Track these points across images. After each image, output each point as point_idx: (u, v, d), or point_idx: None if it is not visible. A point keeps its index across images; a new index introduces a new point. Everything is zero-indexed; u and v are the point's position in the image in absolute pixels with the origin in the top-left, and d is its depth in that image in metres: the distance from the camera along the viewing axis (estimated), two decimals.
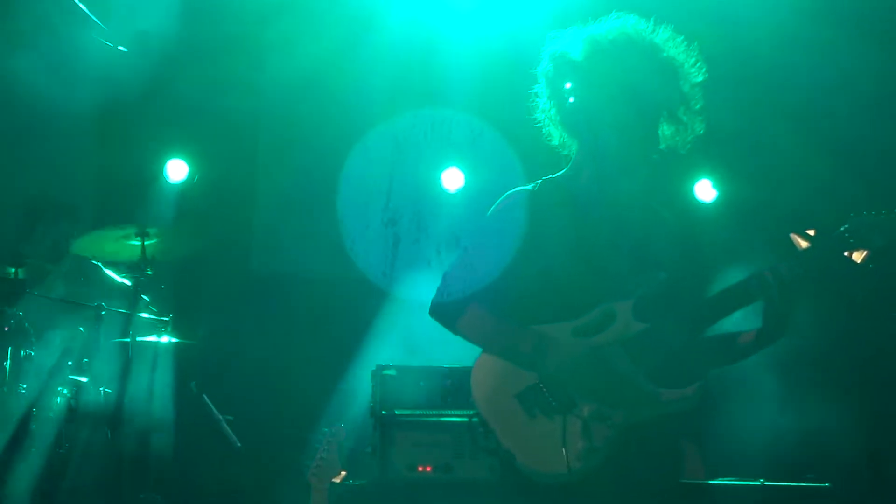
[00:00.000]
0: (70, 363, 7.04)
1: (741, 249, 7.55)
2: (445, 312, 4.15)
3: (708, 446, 8.32)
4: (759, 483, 6.77)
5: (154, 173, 9.35)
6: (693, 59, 4.15)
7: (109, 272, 7.50)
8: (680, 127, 4.16)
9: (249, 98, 9.18)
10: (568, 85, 4.11)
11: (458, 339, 4.16)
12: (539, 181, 4.19)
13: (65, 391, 6.89)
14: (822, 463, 8.02)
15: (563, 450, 3.83)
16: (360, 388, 8.21)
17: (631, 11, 4.17)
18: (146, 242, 7.04)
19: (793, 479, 6.93)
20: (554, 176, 4.21)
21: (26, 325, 6.93)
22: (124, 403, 6.89)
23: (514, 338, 3.98)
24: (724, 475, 7.09)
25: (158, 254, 7.20)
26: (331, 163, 9.43)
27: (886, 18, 8.13)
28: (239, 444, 7.75)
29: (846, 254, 3.82)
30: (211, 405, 7.83)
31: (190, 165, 9.36)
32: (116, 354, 7.09)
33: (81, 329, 7.20)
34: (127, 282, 7.29)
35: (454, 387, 7.51)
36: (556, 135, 4.26)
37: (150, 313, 7.43)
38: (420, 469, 7.32)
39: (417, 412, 7.47)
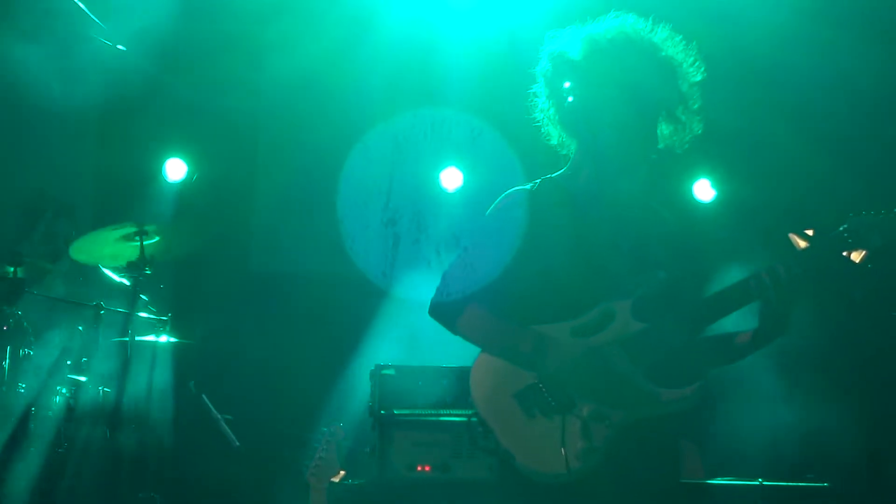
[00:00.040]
0: (69, 362, 7.05)
1: (740, 249, 7.55)
2: (444, 312, 4.15)
3: (707, 446, 8.32)
4: (757, 483, 6.77)
5: (153, 172, 9.35)
6: (691, 59, 4.14)
7: (108, 272, 7.50)
8: (679, 126, 4.15)
9: (248, 97, 9.19)
10: (567, 84, 4.10)
11: (458, 338, 4.15)
12: (538, 181, 4.19)
13: (64, 390, 6.90)
14: (822, 462, 8.03)
15: (562, 449, 3.82)
16: (358, 387, 8.21)
17: (629, 11, 4.17)
18: (145, 242, 7.03)
19: (792, 479, 6.93)
20: (553, 175, 4.21)
21: (25, 324, 6.94)
22: (123, 403, 6.89)
23: (513, 337, 3.97)
24: (723, 475, 7.09)
25: (157, 253, 7.19)
26: (330, 162, 9.44)
27: (885, 17, 8.13)
28: (238, 444, 7.75)
29: (845, 254, 3.82)
30: (210, 404, 7.83)
31: (189, 165, 9.36)
32: (115, 354, 7.10)
33: (80, 328, 7.21)
34: (126, 281, 7.28)
35: (453, 386, 7.52)
36: (555, 134, 4.26)
37: (149, 313, 7.44)
38: (419, 469, 7.32)
39: (416, 412, 7.47)
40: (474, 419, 3.98)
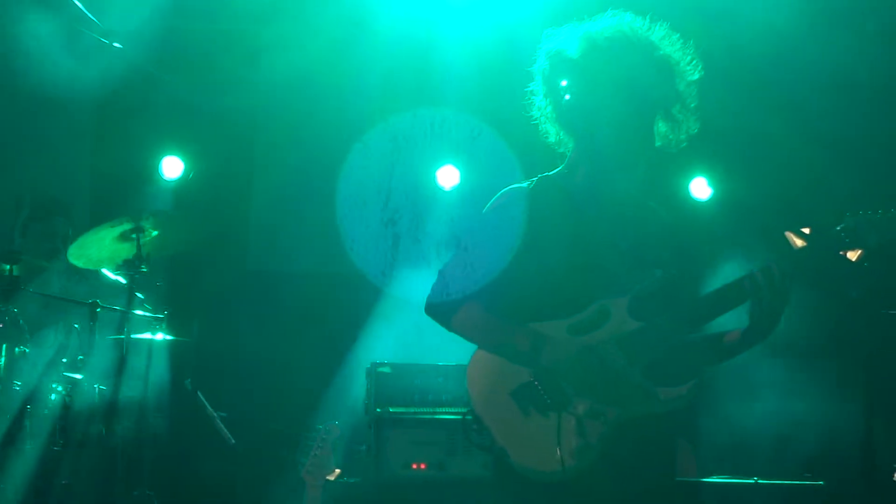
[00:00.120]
0: (65, 360, 7.04)
1: (737, 247, 7.55)
2: (440, 310, 4.14)
3: (701, 444, 8.33)
4: (752, 481, 6.78)
5: (149, 170, 9.35)
6: (689, 57, 4.14)
7: (104, 270, 7.49)
8: (675, 125, 4.15)
9: (245, 96, 9.17)
10: (564, 82, 4.10)
11: (454, 336, 4.15)
12: (535, 179, 4.19)
13: (59, 388, 6.89)
14: (817, 461, 8.03)
15: (558, 447, 3.82)
16: (354, 385, 8.21)
17: (627, 9, 4.17)
18: (142, 240, 7.02)
19: (787, 478, 6.94)
20: (550, 173, 4.21)
21: (21, 321, 6.93)
22: (119, 400, 6.88)
23: (509, 335, 3.97)
24: (717, 473, 7.10)
25: (153, 251, 7.19)
26: (327, 161, 9.44)
27: (880, 15, 8.14)
28: (233, 442, 7.75)
29: (841, 252, 3.82)
30: (205, 402, 7.83)
31: (185, 163, 9.36)
32: (111, 351, 7.09)
33: (76, 326, 7.20)
34: (122, 279, 7.28)
35: (449, 384, 7.52)
36: (552, 132, 4.25)
37: (145, 310, 7.42)
38: (414, 466, 7.33)
39: (412, 410, 7.48)
40: (469, 417, 3.97)
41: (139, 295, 7.29)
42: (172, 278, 8.45)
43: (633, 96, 4.02)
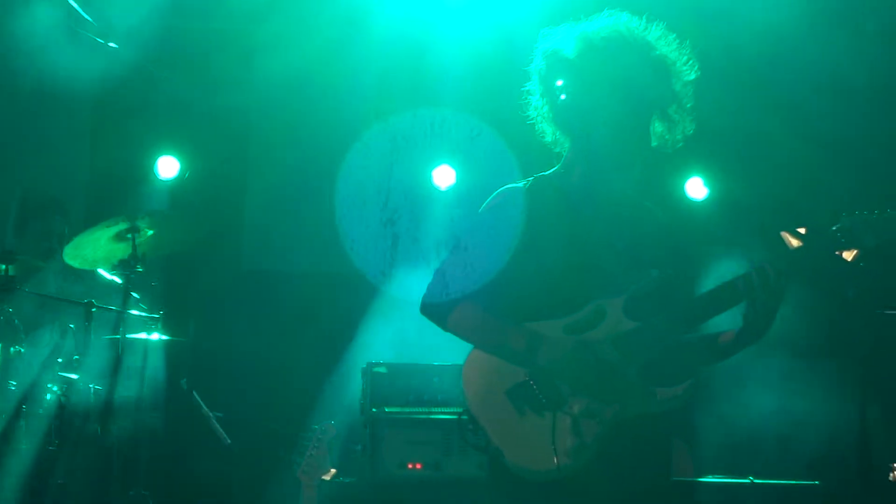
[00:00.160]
0: (60, 360, 7.03)
1: (732, 247, 7.55)
2: (436, 310, 4.13)
3: (697, 444, 8.33)
4: (748, 481, 6.78)
5: (145, 170, 9.34)
6: (685, 58, 4.14)
7: (100, 270, 7.48)
8: (672, 125, 4.15)
9: (241, 95, 9.17)
10: (560, 82, 4.10)
11: (449, 336, 4.15)
12: (531, 178, 4.18)
13: (55, 388, 6.88)
14: (813, 460, 8.04)
15: (553, 447, 3.82)
16: (350, 385, 8.21)
17: (623, 9, 4.17)
18: (138, 239, 7.02)
19: (782, 477, 6.94)
20: (546, 173, 4.20)
21: (16, 321, 6.92)
22: (114, 400, 6.88)
23: (505, 334, 3.97)
24: (713, 473, 7.10)
25: (149, 251, 7.18)
26: (322, 160, 9.44)
27: (876, 14, 8.14)
28: (229, 442, 7.74)
29: (837, 253, 3.82)
30: (201, 402, 7.82)
31: (181, 162, 9.36)
32: (107, 351, 7.08)
33: (72, 326, 7.19)
34: (117, 279, 7.27)
35: (444, 384, 7.52)
36: (549, 132, 4.25)
37: (141, 310, 7.42)
38: (410, 466, 7.33)
39: (407, 410, 7.48)
40: (464, 417, 3.97)
41: (135, 295, 7.29)
42: (168, 278, 8.44)
43: (629, 96, 4.02)
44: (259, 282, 9.63)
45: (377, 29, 8.58)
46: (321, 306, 9.25)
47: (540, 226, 4.03)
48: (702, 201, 9.51)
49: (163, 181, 9.35)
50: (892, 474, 6.96)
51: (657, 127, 4.15)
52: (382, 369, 7.58)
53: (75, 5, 7.51)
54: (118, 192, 9.16)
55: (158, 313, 7.49)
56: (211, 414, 7.82)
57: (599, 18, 4.14)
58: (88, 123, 9.64)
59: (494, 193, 4.17)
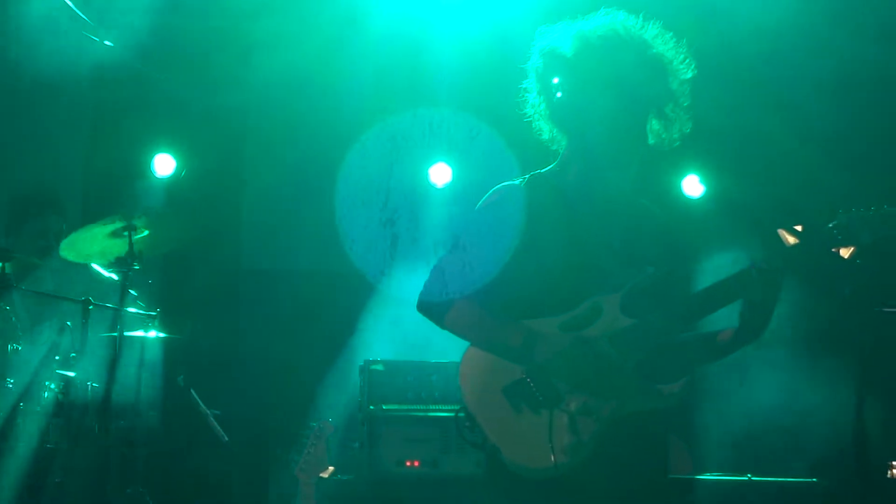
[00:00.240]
0: (57, 358, 7.03)
1: (729, 244, 7.56)
2: (433, 307, 4.14)
3: (695, 441, 8.34)
4: (746, 478, 6.79)
5: (142, 168, 9.34)
6: (682, 56, 4.14)
7: (97, 267, 7.48)
8: (668, 123, 4.15)
9: (238, 93, 9.16)
10: (556, 80, 4.11)
11: (447, 333, 4.15)
12: (527, 176, 4.18)
13: (52, 386, 6.87)
14: (810, 458, 8.04)
15: (550, 444, 3.82)
16: (347, 382, 8.21)
17: (620, 7, 4.17)
18: (134, 237, 7.01)
19: (780, 474, 6.95)
20: (542, 171, 4.21)
21: (13, 319, 6.92)
22: (111, 398, 6.87)
23: (501, 332, 3.97)
24: (711, 470, 7.11)
25: (146, 249, 7.18)
26: (320, 159, 9.43)
27: (875, 11, 8.14)
28: (226, 439, 7.74)
29: (834, 250, 3.82)
30: (198, 400, 7.82)
31: (177, 160, 9.35)
32: (104, 349, 7.08)
33: (69, 324, 7.19)
34: (115, 277, 7.27)
35: (442, 382, 7.53)
36: (545, 130, 4.26)
37: (138, 308, 7.42)
38: (408, 464, 7.33)
39: (405, 407, 7.49)
40: (461, 414, 3.98)
41: (132, 292, 7.29)
42: (165, 276, 8.45)
43: (624, 95, 4.02)
44: (256, 280, 9.63)
45: (375, 27, 8.58)
46: (318, 304, 9.25)
47: (537, 224, 4.03)
48: (698, 199, 9.52)
49: (159, 179, 9.34)
50: (890, 472, 6.97)
51: (654, 125, 4.15)
52: (380, 367, 7.58)
53: (71, 4, 7.51)
54: (114, 190, 9.15)
55: (156, 311, 7.49)
56: (208, 411, 7.82)
57: (596, 17, 4.15)
58: (85, 121, 9.63)
59: (491, 191, 4.17)
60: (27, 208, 7.89)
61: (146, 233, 7.12)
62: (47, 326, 7.29)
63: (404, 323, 8.19)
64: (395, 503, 7.31)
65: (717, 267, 4.66)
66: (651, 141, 4.17)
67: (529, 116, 4.27)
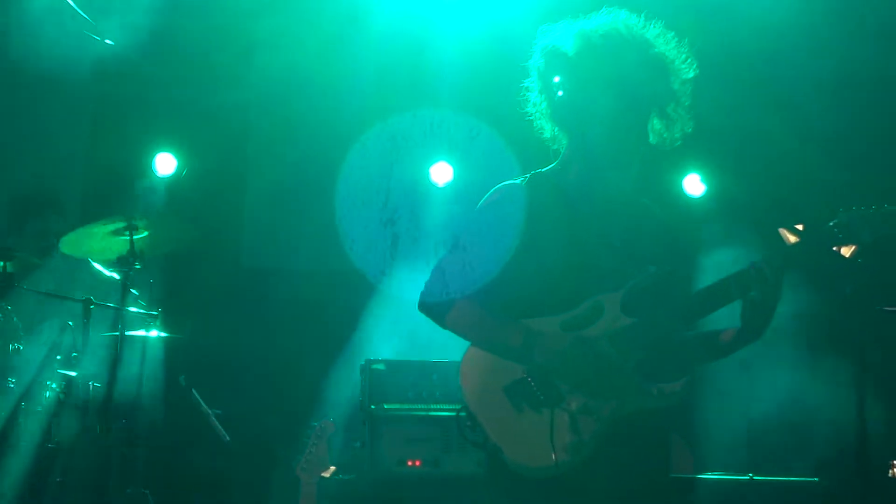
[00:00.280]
0: (59, 357, 7.03)
1: (730, 244, 7.56)
2: (434, 307, 4.14)
3: (697, 440, 8.34)
4: (747, 477, 6.79)
5: (143, 167, 9.34)
6: (684, 56, 4.14)
7: (98, 266, 7.49)
8: (670, 123, 4.15)
9: (239, 92, 9.16)
10: (557, 79, 4.10)
11: (448, 333, 4.15)
12: (528, 175, 4.18)
13: (53, 385, 6.88)
14: (811, 457, 8.05)
15: (551, 444, 3.82)
16: (349, 382, 8.21)
17: (622, 7, 4.17)
18: (135, 237, 7.02)
19: (782, 474, 6.95)
20: (543, 170, 4.20)
21: (15, 319, 6.92)
22: (113, 398, 6.88)
23: (502, 331, 3.97)
24: (712, 469, 7.11)
25: (147, 248, 7.18)
26: (320, 158, 9.43)
27: (875, 11, 8.14)
28: (228, 439, 7.74)
29: (835, 248, 3.82)
30: (200, 399, 7.82)
31: (179, 159, 9.35)
32: (105, 349, 7.09)
33: (70, 323, 7.19)
34: (116, 276, 7.27)
35: (443, 381, 7.53)
36: (546, 129, 4.25)
37: (139, 307, 7.42)
38: (409, 463, 7.33)
39: (406, 407, 7.49)
40: (462, 413, 3.98)
41: (133, 291, 7.29)
42: (167, 275, 8.44)
43: (625, 94, 4.01)
44: (257, 279, 9.63)
45: (376, 26, 8.58)
46: (319, 303, 9.25)
47: (537, 223, 4.03)
48: (699, 198, 9.52)
49: (160, 178, 9.34)
50: (891, 471, 6.97)
51: (655, 125, 4.15)
52: (381, 366, 7.58)
53: (71, 2, 7.51)
54: (115, 189, 9.15)
55: (157, 310, 7.50)
56: (210, 411, 7.83)
57: (598, 16, 4.14)
58: (85, 120, 9.63)
59: (492, 190, 4.17)
60: (28, 208, 7.90)
61: (146, 233, 7.12)
62: (49, 326, 7.29)
63: (405, 322, 8.19)
64: (396, 503, 7.31)
65: (717, 266, 4.67)
66: (652, 140, 4.16)
67: (530, 115, 4.27)
